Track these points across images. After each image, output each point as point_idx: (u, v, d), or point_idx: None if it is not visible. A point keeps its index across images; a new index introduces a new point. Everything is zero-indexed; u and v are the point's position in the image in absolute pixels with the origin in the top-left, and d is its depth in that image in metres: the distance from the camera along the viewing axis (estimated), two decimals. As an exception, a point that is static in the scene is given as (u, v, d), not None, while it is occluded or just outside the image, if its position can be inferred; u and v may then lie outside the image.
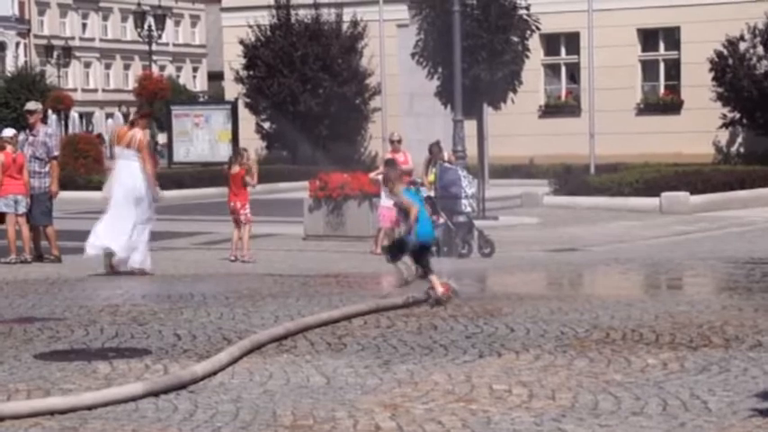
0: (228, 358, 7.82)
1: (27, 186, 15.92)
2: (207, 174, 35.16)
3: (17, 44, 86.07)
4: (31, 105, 16.79)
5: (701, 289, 12.91)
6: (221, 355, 7.86)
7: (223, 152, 41.48)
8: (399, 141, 19.68)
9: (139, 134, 14.26)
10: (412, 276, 10.88)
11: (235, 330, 9.27)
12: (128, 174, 14.14)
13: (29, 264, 15.58)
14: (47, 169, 16.15)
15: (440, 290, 10.50)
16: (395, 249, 11.15)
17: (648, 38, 39.38)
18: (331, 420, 6.39)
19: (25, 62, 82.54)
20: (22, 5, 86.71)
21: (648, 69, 39.70)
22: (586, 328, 9.14)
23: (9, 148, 15.96)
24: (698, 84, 36.42)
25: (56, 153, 16.51)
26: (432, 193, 17.53)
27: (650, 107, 38.97)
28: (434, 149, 18.26)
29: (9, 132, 16.38)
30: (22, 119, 16.89)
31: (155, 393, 6.97)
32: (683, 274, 14.43)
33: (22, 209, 15.90)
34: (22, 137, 16.88)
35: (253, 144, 41.37)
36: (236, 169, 17.13)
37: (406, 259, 10.92)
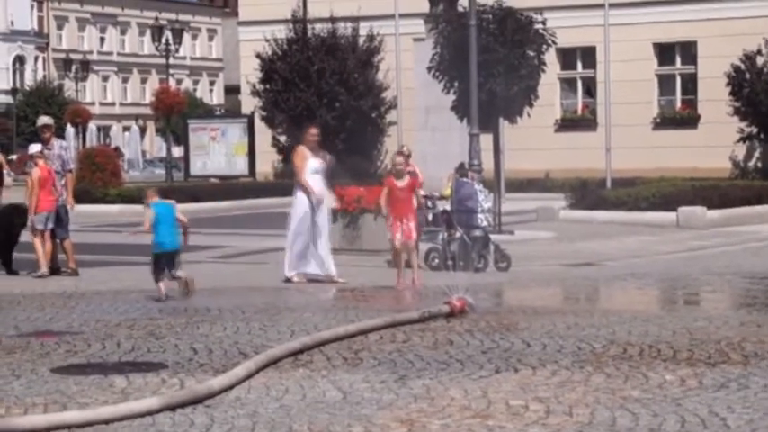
0: (245, 373, 7.81)
1: None
2: (223, 187, 35.22)
3: (36, 58, 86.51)
4: (45, 120, 16.77)
5: (719, 304, 12.85)
6: (237, 369, 7.86)
7: (240, 166, 41.71)
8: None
9: (299, 148, 15.34)
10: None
11: (251, 345, 9.27)
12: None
13: (46, 277, 15.59)
14: (63, 182, 16.19)
15: (162, 294, 12.31)
16: (156, 266, 12.70)
17: (665, 52, 39.31)
18: (347, 436, 6.38)
19: (44, 76, 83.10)
20: (40, 20, 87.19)
21: (665, 84, 39.63)
22: (603, 344, 9.11)
23: (41, 161, 15.88)
24: (715, 98, 36.34)
25: (71, 166, 16.56)
26: (448, 207, 17.52)
27: (667, 121, 38.89)
28: (457, 170, 18.28)
29: (37, 147, 16.20)
30: (39, 132, 16.81)
31: (171, 408, 6.98)
32: (700, 290, 14.37)
33: (51, 224, 15.92)
34: None
35: (269, 157, 41.50)
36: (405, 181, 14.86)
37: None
